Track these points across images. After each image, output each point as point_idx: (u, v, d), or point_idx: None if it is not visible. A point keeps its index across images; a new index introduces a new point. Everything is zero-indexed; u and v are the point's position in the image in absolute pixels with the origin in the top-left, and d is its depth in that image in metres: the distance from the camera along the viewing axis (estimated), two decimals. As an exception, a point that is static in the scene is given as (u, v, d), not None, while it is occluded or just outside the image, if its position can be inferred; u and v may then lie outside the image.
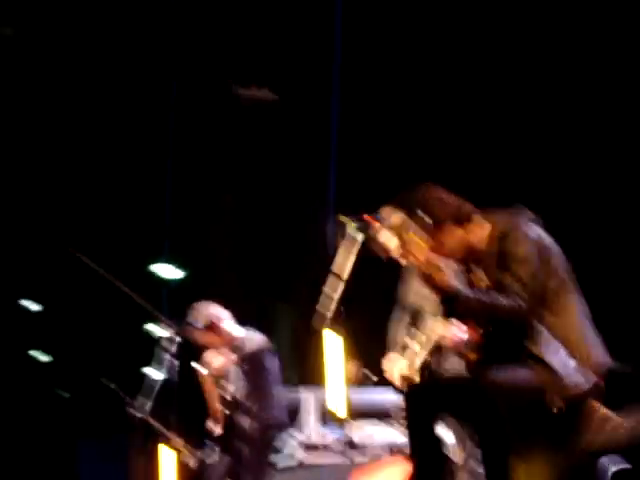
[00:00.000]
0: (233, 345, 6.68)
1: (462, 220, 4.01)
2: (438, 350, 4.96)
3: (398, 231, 4.07)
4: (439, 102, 9.14)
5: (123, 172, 10.05)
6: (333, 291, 4.92)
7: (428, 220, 3.98)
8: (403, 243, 4.07)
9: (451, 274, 3.97)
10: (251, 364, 6.55)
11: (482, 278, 4.02)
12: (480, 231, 4.03)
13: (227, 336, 6.66)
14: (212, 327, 6.63)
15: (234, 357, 6.57)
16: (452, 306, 3.95)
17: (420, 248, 3.95)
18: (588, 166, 8.67)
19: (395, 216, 4.12)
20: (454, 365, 4.66)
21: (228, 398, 6.58)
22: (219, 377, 6.69)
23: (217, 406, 6.60)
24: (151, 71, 8.76)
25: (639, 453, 3.60)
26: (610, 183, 8.55)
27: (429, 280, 3.94)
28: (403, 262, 5.06)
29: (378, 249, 4.97)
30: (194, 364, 6.62)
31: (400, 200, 4.09)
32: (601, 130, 8.59)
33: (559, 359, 3.82)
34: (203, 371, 6.57)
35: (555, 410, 3.77)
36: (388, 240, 4.85)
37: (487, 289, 3.92)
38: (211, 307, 6.76)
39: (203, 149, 9.81)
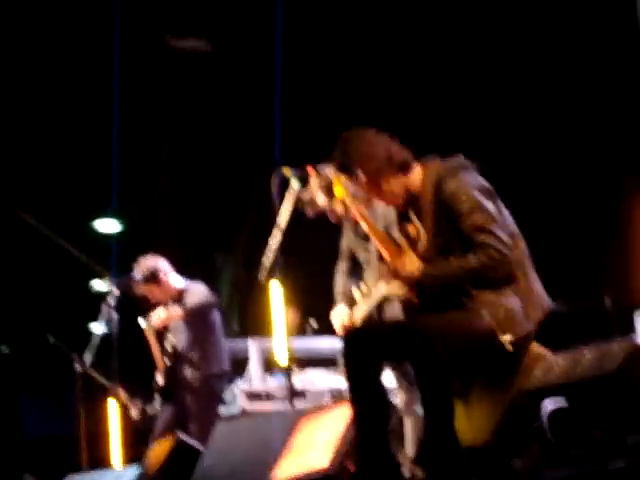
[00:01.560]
0: (175, 297, 6.69)
1: (400, 167, 4.00)
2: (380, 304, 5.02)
3: (331, 186, 4.08)
4: (384, 51, 9.12)
5: (64, 127, 9.93)
6: (275, 242, 4.95)
7: (362, 173, 3.96)
8: (335, 198, 4.09)
9: (410, 259, 3.95)
10: (193, 316, 6.56)
11: (418, 227, 4.02)
12: (417, 176, 4.03)
13: (169, 288, 6.67)
14: (154, 279, 6.63)
15: (177, 309, 6.58)
16: (422, 288, 3.94)
17: (356, 207, 3.96)
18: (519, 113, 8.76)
19: (328, 170, 4.13)
20: (395, 314, 4.72)
21: (170, 350, 6.60)
22: (162, 330, 6.70)
23: (160, 357, 6.61)
24: (92, 21, 8.62)
25: (575, 391, 3.67)
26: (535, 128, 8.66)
27: (392, 270, 3.95)
28: (332, 217, 5.12)
29: (309, 203, 5.01)
30: (140, 319, 6.62)
31: (337, 150, 4.07)
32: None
33: (512, 299, 3.85)
34: (144, 324, 6.58)
35: (507, 349, 3.81)
36: (318, 194, 4.89)
37: (450, 251, 3.88)
38: (153, 259, 6.76)
39: (144, 100, 9.71)
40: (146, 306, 6.87)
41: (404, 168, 4.01)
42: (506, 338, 3.80)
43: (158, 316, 6.54)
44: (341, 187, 3.99)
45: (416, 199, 4.00)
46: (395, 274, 3.97)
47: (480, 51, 8.82)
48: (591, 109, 8.41)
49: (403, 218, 4.09)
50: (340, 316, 5.25)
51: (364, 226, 4.07)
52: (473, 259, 3.82)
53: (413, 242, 4.02)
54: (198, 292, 6.65)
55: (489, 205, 3.87)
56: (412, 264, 3.94)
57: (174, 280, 6.71)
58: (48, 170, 10.33)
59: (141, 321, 6.60)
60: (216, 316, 6.70)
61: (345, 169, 4.01)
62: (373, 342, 3.90)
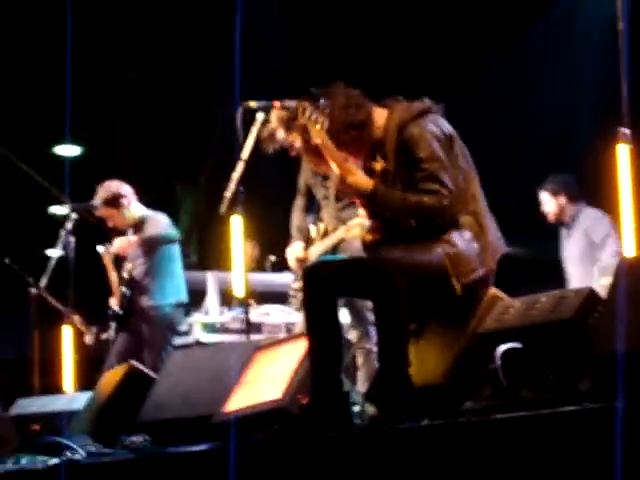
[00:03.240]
0: (135, 225, 6.65)
1: (365, 124, 4.01)
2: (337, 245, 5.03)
3: (292, 120, 4.05)
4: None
5: (18, 48, 9.75)
6: (238, 175, 4.92)
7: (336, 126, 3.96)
8: (301, 128, 4.07)
9: (360, 172, 3.98)
10: (151, 245, 6.53)
11: (383, 164, 4.04)
12: (381, 119, 4.04)
13: (129, 214, 6.63)
14: (115, 203, 6.59)
15: (134, 237, 6.55)
16: (370, 204, 3.96)
17: (321, 135, 3.94)
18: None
19: (292, 103, 4.10)
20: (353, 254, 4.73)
21: (127, 277, 6.58)
22: (123, 258, 6.67)
23: (117, 285, 6.60)
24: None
25: (529, 335, 3.70)
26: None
27: (345, 183, 3.95)
28: (292, 152, 5.09)
29: (268, 138, 4.97)
30: (98, 247, 6.58)
31: (312, 95, 4.06)
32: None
33: (463, 242, 3.89)
34: (102, 250, 6.55)
35: (456, 293, 3.85)
36: (278, 128, 4.85)
37: (404, 189, 3.91)
38: (117, 184, 6.71)
39: (105, 24, 9.55)
40: (104, 231, 6.83)
41: (368, 121, 4.01)
42: (456, 280, 3.84)
43: (116, 243, 6.51)
44: (306, 114, 3.96)
45: (381, 143, 4.01)
46: (346, 183, 3.97)
47: None
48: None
49: (370, 156, 4.10)
50: (295, 252, 5.26)
51: (323, 149, 4.03)
52: (424, 196, 3.89)
53: (378, 177, 4.03)
54: (158, 222, 6.61)
55: (443, 155, 3.93)
56: (364, 180, 3.96)
57: (135, 207, 6.67)
58: (7, 93, 10.14)
59: (99, 247, 6.57)
60: (175, 247, 6.67)
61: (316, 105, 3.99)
62: (331, 277, 3.91)
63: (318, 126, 3.92)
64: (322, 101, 3.96)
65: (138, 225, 6.64)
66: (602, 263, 6.57)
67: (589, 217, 6.90)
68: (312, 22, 9.28)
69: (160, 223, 6.65)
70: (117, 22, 9.80)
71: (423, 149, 3.91)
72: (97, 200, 6.61)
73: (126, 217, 6.63)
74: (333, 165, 3.99)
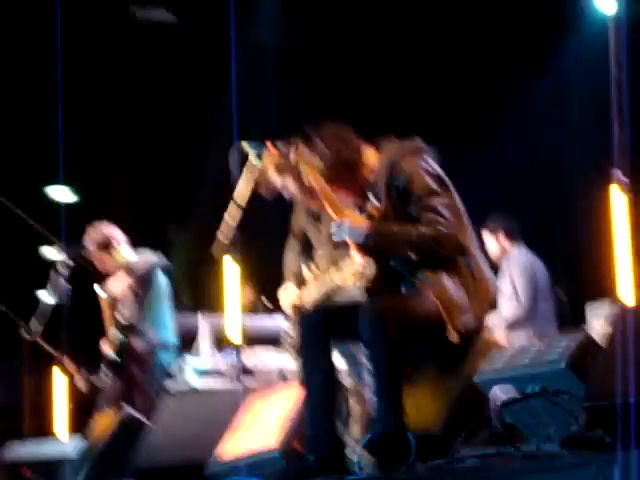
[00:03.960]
0: (127, 268, 6.63)
1: (358, 163, 4.02)
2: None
3: (294, 161, 4.06)
4: (341, 32, 9.13)
5: (12, 91, 9.79)
6: (232, 218, 4.92)
7: (329, 165, 3.98)
8: (298, 173, 4.08)
9: (354, 213, 3.98)
10: (140, 283, 6.50)
11: (377, 207, 4.04)
12: (373, 159, 4.05)
13: (120, 258, 6.61)
14: (106, 247, 6.57)
15: (129, 280, 6.53)
16: (367, 244, 3.95)
17: (315, 177, 3.95)
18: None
19: (285, 146, 4.11)
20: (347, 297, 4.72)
21: (123, 322, 6.54)
22: (116, 301, 6.64)
23: (112, 330, 6.55)
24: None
25: (523, 380, 3.69)
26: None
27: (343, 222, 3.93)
28: (287, 195, 5.10)
29: (266, 181, 4.98)
30: (96, 287, 6.55)
31: (307, 135, 4.08)
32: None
33: (456, 288, 3.88)
34: (102, 294, 6.52)
35: (452, 339, 3.84)
36: (271, 171, 4.86)
37: (402, 222, 3.90)
38: (107, 228, 6.69)
39: (98, 68, 9.60)
40: (96, 274, 6.80)
41: (359, 162, 4.03)
42: (453, 329, 3.83)
43: (114, 286, 6.48)
44: (299, 156, 3.97)
45: (373, 183, 4.02)
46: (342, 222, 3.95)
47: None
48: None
49: (364, 198, 4.10)
50: (289, 296, 5.24)
51: (318, 191, 4.03)
52: (422, 227, 3.88)
53: (373, 219, 4.03)
54: (146, 260, 6.59)
55: (439, 190, 3.93)
56: (360, 219, 3.95)
57: (126, 251, 6.65)
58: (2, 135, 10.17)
59: (98, 289, 6.53)
60: (162, 281, 6.63)
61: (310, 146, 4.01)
62: (326, 323, 3.91)
63: (311, 167, 3.93)
64: (315, 141, 3.98)
65: (130, 268, 6.62)
66: (502, 314, 6.56)
67: (513, 258, 6.87)
68: (306, 61, 9.34)
69: (148, 261, 6.62)
70: (109, 66, 9.85)
71: (417, 184, 3.91)
72: (87, 242, 6.59)
73: (117, 261, 6.61)
74: (327, 207, 3.99)
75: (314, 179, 3.94)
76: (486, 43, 8.73)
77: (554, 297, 6.99)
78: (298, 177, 4.19)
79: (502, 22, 8.64)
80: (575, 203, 7.54)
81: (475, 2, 8.67)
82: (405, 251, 3.90)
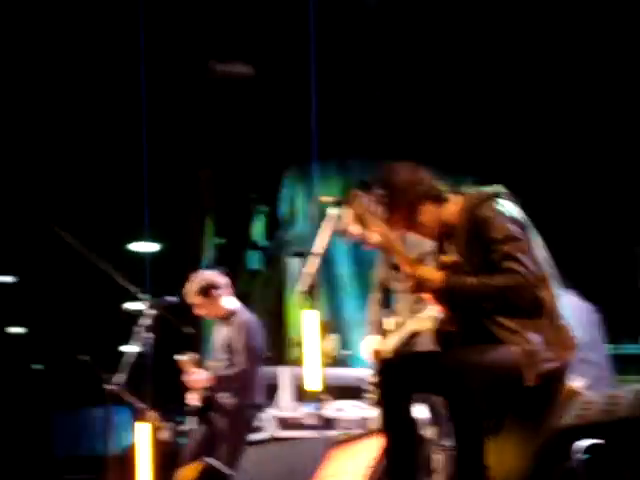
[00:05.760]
0: (224, 317, 6.67)
1: (437, 199, 4.02)
2: (411, 337, 5.01)
3: (361, 213, 4.06)
4: (416, 72, 9.16)
5: (100, 148, 10.02)
6: (312, 269, 4.95)
7: (400, 203, 3.97)
8: (366, 224, 4.08)
9: (432, 270, 3.95)
10: (241, 341, 6.53)
11: (453, 255, 4.02)
12: (453, 206, 4.04)
13: (219, 306, 6.64)
14: (207, 292, 6.61)
15: (232, 329, 6.56)
16: (442, 296, 3.94)
17: (380, 228, 3.95)
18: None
19: (358, 198, 4.11)
20: (425, 348, 4.70)
21: (211, 374, 6.57)
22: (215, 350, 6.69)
23: (198, 384, 6.57)
24: (124, 45, 8.70)
25: (611, 430, 3.63)
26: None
27: (415, 281, 3.92)
28: (366, 246, 5.11)
29: (344, 232, 5.01)
30: (175, 356, 6.59)
31: (373, 181, 4.08)
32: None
33: (534, 335, 3.84)
34: (181, 358, 6.57)
35: (529, 385, 3.79)
36: (352, 223, 4.88)
37: (478, 274, 3.88)
38: (213, 274, 6.75)
39: (180, 124, 9.79)
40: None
41: (439, 199, 4.02)
42: (529, 374, 3.78)
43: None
44: (359, 204, 3.98)
45: (453, 229, 4.01)
46: (418, 282, 3.93)
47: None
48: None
49: (440, 250, 4.09)
50: (371, 345, 5.24)
51: (384, 243, 4.02)
52: (499, 278, 3.81)
53: (449, 270, 4.01)
54: (246, 314, 6.59)
55: (520, 236, 3.88)
56: (434, 274, 3.93)
57: (227, 300, 6.69)
58: (88, 191, 10.42)
59: (177, 357, 6.58)
60: (261, 340, 6.66)
61: (380, 198, 4.02)
62: (406, 372, 3.89)
63: (374, 218, 3.92)
64: (375, 189, 3.98)
65: (227, 318, 6.67)
66: None
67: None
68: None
69: (248, 317, 6.64)
70: (190, 122, 10.05)
71: (497, 230, 3.85)
72: (191, 287, 6.65)
73: (217, 308, 6.66)
74: (398, 259, 3.98)
75: (379, 229, 3.94)
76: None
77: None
78: (365, 227, 4.19)
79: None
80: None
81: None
82: (482, 304, 3.88)
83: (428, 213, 4.01)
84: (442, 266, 4.00)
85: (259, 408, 6.61)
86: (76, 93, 9.48)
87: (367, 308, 5.49)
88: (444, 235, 4.05)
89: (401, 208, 3.98)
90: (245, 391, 6.49)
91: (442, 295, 3.94)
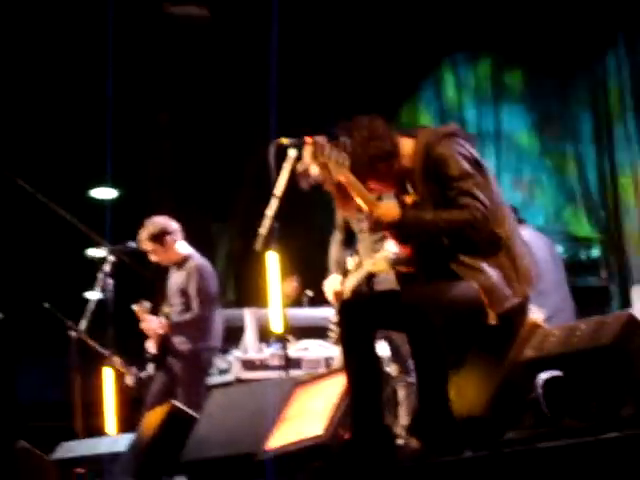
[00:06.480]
0: (177, 262, 6.66)
1: (392, 154, 4.01)
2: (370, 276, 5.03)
3: (322, 155, 4.04)
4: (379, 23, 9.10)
5: (59, 95, 9.89)
6: (272, 212, 4.94)
7: (366, 161, 3.97)
8: (326, 168, 4.07)
9: (390, 206, 3.96)
10: (195, 286, 6.52)
11: (414, 196, 4.02)
12: (407, 149, 4.03)
13: (173, 252, 6.63)
14: (160, 238, 6.59)
15: (184, 275, 6.55)
16: (401, 232, 3.95)
17: (343, 173, 3.94)
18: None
19: (319, 145, 4.09)
20: (384, 287, 4.72)
21: (164, 320, 6.57)
22: (166, 297, 6.68)
23: (154, 330, 6.57)
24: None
25: (570, 362, 3.67)
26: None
27: (374, 219, 3.93)
28: (326, 187, 5.10)
29: (303, 174, 4.99)
30: (133, 305, 6.58)
31: (343, 131, 4.07)
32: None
33: (496, 272, 3.86)
34: (135, 308, 6.57)
35: (491, 322, 3.82)
36: (312, 164, 4.86)
37: (435, 209, 3.89)
38: (164, 220, 6.72)
39: (138, 68, 9.66)
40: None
41: (396, 152, 4.02)
42: (491, 311, 3.81)
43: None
44: (324, 156, 3.97)
45: (410, 170, 4.00)
46: (376, 220, 3.94)
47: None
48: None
49: (401, 190, 4.09)
50: (333, 285, 5.26)
51: (347, 186, 4.02)
52: (455, 212, 3.85)
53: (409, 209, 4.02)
54: (202, 277, 6.56)
55: (476, 173, 3.91)
56: (392, 209, 3.94)
57: (180, 245, 6.67)
58: (45, 138, 10.29)
59: (134, 306, 6.57)
60: (214, 286, 6.66)
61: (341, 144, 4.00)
62: (367, 311, 3.91)
63: (338, 165, 3.92)
64: (342, 139, 3.97)
65: (181, 264, 6.65)
66: None
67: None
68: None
69: (200, 263, 6.63)
70: (149, 66, 9.91)
71: (453, 167, 3.88)
72: (143, 234, 6.61)
73: (170, 254, 6.64)
74: (359, 200, 3.98)
75: (342, 176, 3.94)
76: None
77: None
78: (328, 173, 4.19)
79: None
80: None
81: None
82: (439, 238, 3.89)
83: (387, 169, 4.01)
84: (403, 205, 4.01)
85: (215, 352, 6.63)
86: (34, 35, 9.33)
87: (330, 248, 5.50)
88: (404, 176, 4.05)
89: (362, 162, 3.97)
90: (200, 335, 6.50)
91: (400, 231, 3.95)
